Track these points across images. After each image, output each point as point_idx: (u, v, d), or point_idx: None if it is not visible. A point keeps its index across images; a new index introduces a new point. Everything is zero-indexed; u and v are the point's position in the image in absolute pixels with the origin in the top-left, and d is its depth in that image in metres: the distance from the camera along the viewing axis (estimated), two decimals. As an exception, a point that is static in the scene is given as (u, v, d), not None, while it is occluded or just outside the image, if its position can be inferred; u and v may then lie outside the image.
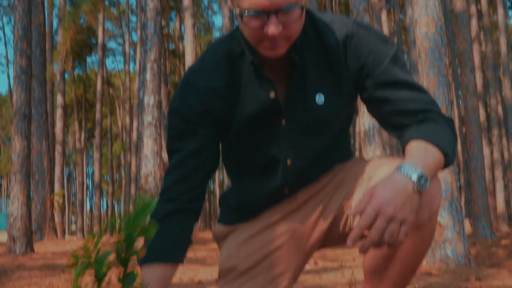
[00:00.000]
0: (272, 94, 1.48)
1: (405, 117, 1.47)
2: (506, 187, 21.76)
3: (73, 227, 45.36)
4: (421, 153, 1.33)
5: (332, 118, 1.55)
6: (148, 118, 8.09)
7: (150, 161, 7.96)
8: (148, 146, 8.00)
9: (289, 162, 1.60)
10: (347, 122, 1.67)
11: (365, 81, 1.50)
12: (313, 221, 1.77)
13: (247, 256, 1.81)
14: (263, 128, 1.55)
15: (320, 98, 1.51)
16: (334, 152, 1.67)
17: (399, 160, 1.40)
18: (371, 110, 1.56)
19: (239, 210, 1.79)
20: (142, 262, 1.47)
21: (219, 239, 1.88)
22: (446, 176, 6.05)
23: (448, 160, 1.37)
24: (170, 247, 1.52)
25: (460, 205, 6.15)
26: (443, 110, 6.24)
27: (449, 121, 1.47)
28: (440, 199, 1.57)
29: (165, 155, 12.93)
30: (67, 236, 30.43)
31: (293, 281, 1.77)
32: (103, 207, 51.98)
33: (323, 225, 1.77)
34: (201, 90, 1.53)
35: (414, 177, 1.27)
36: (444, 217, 6.03)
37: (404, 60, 1.54)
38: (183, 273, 5.37)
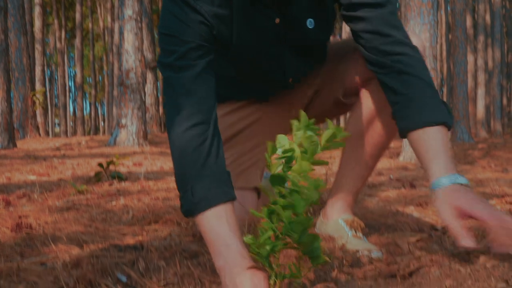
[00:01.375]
0: (277, 20, 1.59)
1: (380, 56, 1.54)
2: (488, 93, 21.94)
3: (57, 129, 45.39)
4: (443, 156, 1.41)
5: (322, 38, 1.73)
6: (128, 11, 7.88)
7: (131, 56, 7.84)
8: (129, 41, 7.85)
9: (290, 80, 1.78)
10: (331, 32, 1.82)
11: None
12: (296, 96, 1.86)
13: (227, 127, 1.89)
14: (264, 52, 1.67)
15: (311, 23, 1.64)
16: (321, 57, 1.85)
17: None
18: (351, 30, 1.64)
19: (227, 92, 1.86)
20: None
21: None
22: (427, 74, 6.07)
23: (451, 125, 1.50)
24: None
25: (439, 103, 6.20)
26: (429, 7, 6.14)
27: (420, 57, 1.57)
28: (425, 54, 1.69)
29: (146, 51, 12.76)
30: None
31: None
32: (86, 110, 51.81)
33: (306, 97, 1.88)
34: (202, 12, 1.47)
35: (464, 181, 1.37)
36: (423, 115, 6.10)
37: None
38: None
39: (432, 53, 6.03)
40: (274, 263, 1.19)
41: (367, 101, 1.76)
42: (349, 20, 1.58)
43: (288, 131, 2.04)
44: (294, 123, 1.16)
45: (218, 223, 1.28)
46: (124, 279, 1.40)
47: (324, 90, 1.90)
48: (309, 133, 1.14)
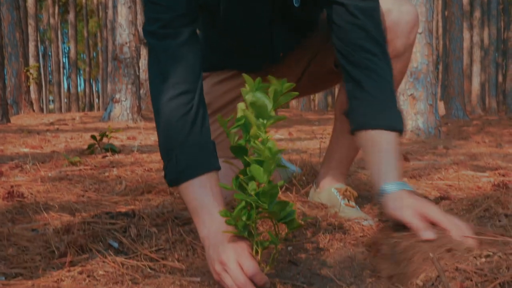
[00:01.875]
0: None
1: (352, 49, 1.49)
2: (483, 71, 21.90)
3: (51, 106, 45.18)
4: (394, 162, 1.41)
5: (309, 17, 1.73)
6: (121, -16, 7.79)
7: (125, 30, 7.76)
8: (123, 14, 7.76)
9: (281, 54, 1.78)
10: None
11: None
12: (288, 67, 1.86)
13: (218, 96, 1.90)
14: (252, 27, 1.68)
15: (297, 1, 1.62)
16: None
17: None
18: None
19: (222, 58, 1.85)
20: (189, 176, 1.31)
21: None
22: (422, 49, 6.04)
23: (402, 131, 1.49)
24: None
25: (435, 78, 6.20)
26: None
27: (389, 62, 1.52)
28: (417, 31, 1.66)
29: (140, 27, 12.64)
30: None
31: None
32: (81, 86, 51.55)
33: (298, 68, 1.88)
34: None
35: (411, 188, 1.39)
36: (418, 90, 6.09)
37: None
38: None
39: (428, 27, 6.00)
40: (253, 232, 1.18)
41: None
42: (326, 3, 1.52)
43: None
44: (242, 89, 1.15)
45: (202, 192, 1.27)
46: (115, 245, 1.39)
47: (317, 61, 1.89)
48: (257, 95, 1.12)
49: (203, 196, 1.26)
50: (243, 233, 1.17)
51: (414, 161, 3.69)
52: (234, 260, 1.13)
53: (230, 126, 1.20)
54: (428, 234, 1.17)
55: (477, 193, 2.27)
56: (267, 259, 1.26)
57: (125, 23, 7.78)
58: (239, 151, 1.17)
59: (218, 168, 1.33)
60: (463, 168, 3.19)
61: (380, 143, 1.44)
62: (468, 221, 1.68)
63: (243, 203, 1.15)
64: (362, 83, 1.47)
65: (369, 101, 1.47)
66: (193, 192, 1.28)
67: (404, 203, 1.29)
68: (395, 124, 1.46)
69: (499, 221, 1.63)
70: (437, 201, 2.06)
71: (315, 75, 1.92)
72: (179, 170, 1.29)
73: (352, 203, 1.81)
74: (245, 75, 1.15)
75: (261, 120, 1.13)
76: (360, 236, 1.53)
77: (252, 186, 1.12)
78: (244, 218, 1.15)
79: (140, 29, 12.65)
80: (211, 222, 1.23)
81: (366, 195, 2.23)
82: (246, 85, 1.15)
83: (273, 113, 1.15)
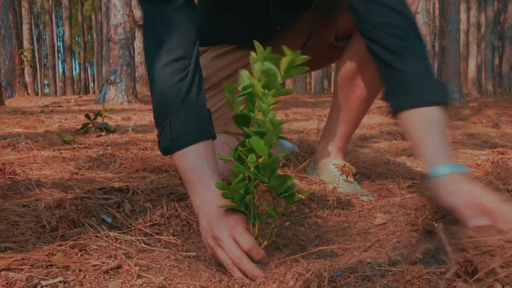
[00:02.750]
0: None
1: (373, 27, 1.39)
2: (480, 53, 21.84)
3: (46, 90, 44.87)
4: (437, 144, 1.25)
5: None
6: (115, -36, 7.67)
7: (120, 11, 7.67)
8: (117, -6, 7.67)
9: (278, 28, 1.77)
10: None
11: None
12: (288, 42, 1.84)
13: (217, 70, 1.88)
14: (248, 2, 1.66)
15: None
16: None
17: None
18: None
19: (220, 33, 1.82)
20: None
21: None
22: (420, 28, 5.99)
23: (448, 104, 1.34)
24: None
25: (432, 59, 6.14)
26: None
27: (416, 30, 1.39)
28: (418, 5, 1.61)
29: (134, 9, 12.49)
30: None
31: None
32: (76, 70, 51.23)
33: (298, 43, 1.87)
34: None
35: (464, 169, 1.21)
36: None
37: None
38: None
39: (425, 6, 5.93)
40: (251, 205, 1.15)
41: (358, 44, 1.69)
42: None
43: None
44: (251, 56, 1.09)
45: (197, 161, 1.23)
46: (109, 220, 1.36)
47: (316, 35, 1.87)
48: (267, 65, 1.07)
49: (198, 165, 1.22)
50: (241, 206, 1.13)
51: (411, 140, 3.66)
52: (228, 235, 1.09)
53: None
54: (479, 221, 1.03)
55: (477, 171, 2.24)
56: (265, 234, 1.22)
57: (120, 4, 7.68)
58: (242, 121, 1.12)
59: (214, 137, 1.29)
60: (461, 147, 3.16)
61: (421, 122, 1.30)
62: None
63: (241, 176, 1.11)
64: (393, 63, 1.36)
65: (403, 81, 1.34)
66: (188, 161, 1.24)
67: (456, 188, 1.14)
68: (435, 97, 1.31)
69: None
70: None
71: (315, 50, 1.89)
72: (173, 138, 1.25)
73: (351, 179, 1.79)
74: (256, 42, 1.09)
75: (268, 91, 1.07)
76: (359, 211, 1.50)
77: (251, 159, 1.08)
78: (241, 191, 1.12)
79: (135, 11, 12.54)
80: (205, 192, 1.19)
81: (364, 173, 2.20)
82: (252, 53, 1.10)
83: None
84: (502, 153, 2.81)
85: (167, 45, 1.30)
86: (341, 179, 1.75)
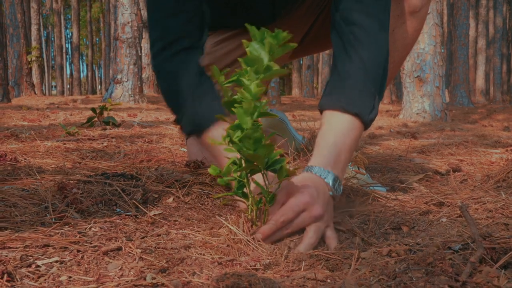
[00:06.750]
0: None
1: (340, 19, 1.35)
2: (488, 60, 21.73)
3: (54, 91, 44.94)
4: (331, 148, 1.23)
5: None
6: (124, -37, 7.64)
7: (127, 10, 7.63)
8: (125, -7, 7.63)
9: (282, 12, 1.74)
10: None
11: None
12: (293, 25, 1.81)
13: (223, 55, 1.84)
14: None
15: None
16: None
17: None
18: None
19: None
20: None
21: None
22: (430, 30, 5.91)
23: (368, 120, 1.29)
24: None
25: (442, 60, 6.08)
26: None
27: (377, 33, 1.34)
28: (428, 6, 1.58)
29: (142, 10, 12.48)
30: (47, 98, 30.31)
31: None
32: (83, 72, 51.41)
33: (303, 26, 1.84)
34: None
35: (330, 181, 1.18)
36: (424, 72, 5.98)
37: None
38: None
39: (436, 7, 5.86)
40: (247, 185, 1.12)
41: None
42: None
43: (285, 60, 1.99)
44: (243, 40, 1.06)
45: (219, 137, 1.23)
46: (110, 204, 1.30)
47: (321, 19, 1.83)
48: (255, 45, 1.04)
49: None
50: (238, 193, 1.13)
51: (422, 140, 3.60)
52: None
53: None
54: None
55: (491, 168, 2.18)
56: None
57: (127, 2, 7.64)
58: (231, 105, 1.09)
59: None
60: (473, 146, 3.10)
61: (325, 124, 1.29)
62: (486, 191, 1.60)
63: (233, 159, 1.11)
64: (336, 59, 1.34)
65: (335, 81, 1.33)
66: (212, 138, 1.28)
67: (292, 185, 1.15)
68: (350, 107, 1.27)
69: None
70: (449, 173, 1.98)
71: (319, 35, 1.87)
72: (197, 121, 1.32)
73: (363, 170, 1.73)
74: (247, 25, 1.05)
75: (256, 74, 1.05)
76: (371, 200, 1.44)
77: (236, 134, 1.05)
78: (235, 175, 1.11)
79: (143, 12, 12.53)
80: None
81: (375, 167, 2.15)
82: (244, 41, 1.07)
83: (276, 67, 1.05)
84: (516, 152, 2.75)
85: (175, 34, 1.36)
86: (353, 170, 1.69)
